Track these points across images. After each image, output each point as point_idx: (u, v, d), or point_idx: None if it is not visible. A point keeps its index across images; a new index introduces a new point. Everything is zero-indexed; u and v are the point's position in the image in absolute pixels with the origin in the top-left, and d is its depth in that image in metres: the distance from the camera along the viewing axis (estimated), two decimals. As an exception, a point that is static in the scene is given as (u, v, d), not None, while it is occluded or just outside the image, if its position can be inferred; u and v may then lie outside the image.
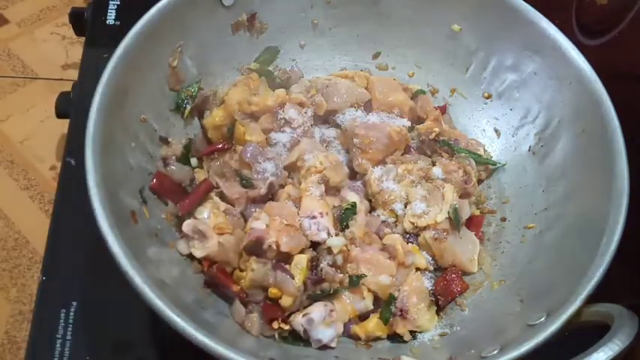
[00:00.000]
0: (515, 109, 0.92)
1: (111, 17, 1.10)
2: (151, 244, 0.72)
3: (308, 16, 0.96)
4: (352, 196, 0.83)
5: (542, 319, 0.65)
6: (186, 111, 0.87)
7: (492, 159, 0.92)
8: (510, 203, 0.88)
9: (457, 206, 0.81)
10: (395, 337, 0.76)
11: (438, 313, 0.79)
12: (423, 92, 0.96)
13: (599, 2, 0.88)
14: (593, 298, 0.65)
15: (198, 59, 0.88)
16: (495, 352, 0.63)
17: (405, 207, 0.83)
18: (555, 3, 0.92)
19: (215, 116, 0.87)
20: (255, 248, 0.73)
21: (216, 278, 0.74)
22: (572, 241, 0.74)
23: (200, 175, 0.84)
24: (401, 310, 0.76)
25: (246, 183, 0.81)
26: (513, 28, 0.88)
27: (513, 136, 0.92)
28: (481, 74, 0.95)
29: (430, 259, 0.81)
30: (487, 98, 0.95)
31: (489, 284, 0.80)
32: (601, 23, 0.89)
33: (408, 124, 0.89)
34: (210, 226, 0.76)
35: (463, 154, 0.88)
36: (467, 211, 0.84)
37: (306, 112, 0.88)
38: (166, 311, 0.59)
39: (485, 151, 0.93)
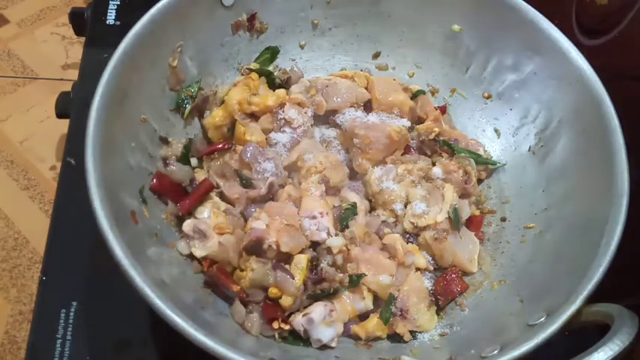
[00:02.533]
0: (515, 109, 0.92)
1: (111, 17, 1.10)
2: (151, 244, 0.72)
3: (308, 16, 0.96)
4: (352, 196, 0.83)
5: (542, 319, 0.65)
6: (186, 111, 0.87)
7: (492, 159, 0.92)
8: (510, 203, 0.88)
9: (457, 206, 0.81)
10: (395, 337, 0.76)
11: (438, 313, 0.79)
12: (423, 92, 0.96)
13: (599, 2, 0.88)
14: (593, 298, 0.65)
15: (198, 59, 0.88)
16: (495, 352, 0.63)
17: (405, 207, 0.83)
18: (555, 3, 0.92)
19: (215, 116, 0.87)
20: (255, 248, 0.73)
21: (217, 278, 0.74)
22: (573, 241, 0.74)
23: (200, 175, 0.84)
24: (401, 310, 0.76)
25: (246, 183, 0.81)
26: (513, 28, 0.88)
27: (513, 136, 0.92)
28: (481, 74, 0.95)
29: (430, 259, 0.81)
30: (487, 98, 0.95)
31: (489, 284, 0.80)
32: (601, 23, 0.88)
33: (408, 124, 0.89)
34: (211, 226, 0.76)
35: (463, 154, 0.88)
36: (467, 211, 0.84)
37: (306, 112, 0.88)
38: (166, 311, 0.59)
39: (485, 151, 0.93)
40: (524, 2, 0.87)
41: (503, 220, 0.87)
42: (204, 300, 0.74)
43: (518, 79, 0.91)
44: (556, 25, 0.85)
